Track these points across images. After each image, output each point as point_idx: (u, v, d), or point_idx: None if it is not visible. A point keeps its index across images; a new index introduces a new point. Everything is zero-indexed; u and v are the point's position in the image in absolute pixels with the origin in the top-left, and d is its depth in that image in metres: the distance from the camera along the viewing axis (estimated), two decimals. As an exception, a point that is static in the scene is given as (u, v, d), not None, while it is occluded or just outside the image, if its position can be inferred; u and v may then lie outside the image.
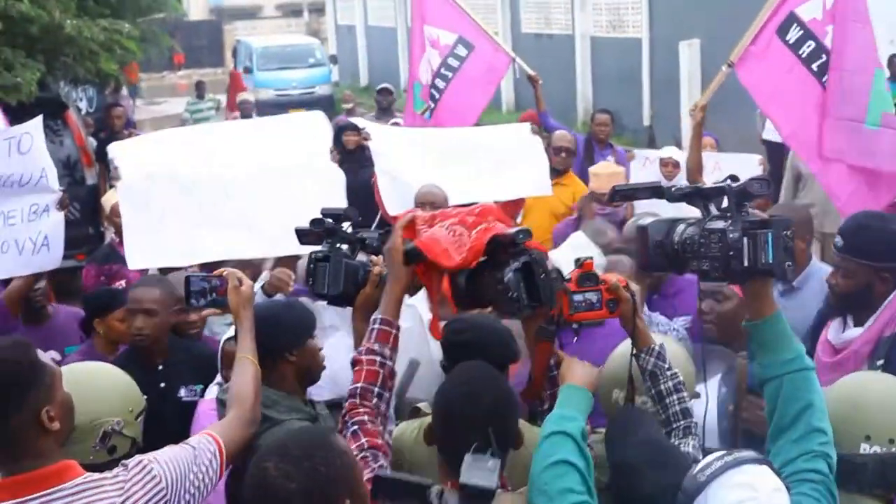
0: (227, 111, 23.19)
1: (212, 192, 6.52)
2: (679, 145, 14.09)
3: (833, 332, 4.87)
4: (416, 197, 7.32)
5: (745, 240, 2.92)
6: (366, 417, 3.42)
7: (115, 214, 7.25)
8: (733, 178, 3.15)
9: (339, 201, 6.74)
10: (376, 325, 3.56)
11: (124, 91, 22.83)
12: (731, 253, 2.93)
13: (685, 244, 3.10)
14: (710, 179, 8.29)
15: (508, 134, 8.72)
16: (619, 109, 20.37)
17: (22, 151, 6.52)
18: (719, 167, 8.97)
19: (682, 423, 3.62)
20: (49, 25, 12.79)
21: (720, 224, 3.01)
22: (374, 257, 4.07)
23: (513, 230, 3.38)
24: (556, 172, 9.07)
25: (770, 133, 14.76)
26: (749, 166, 9.16)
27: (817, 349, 4.87)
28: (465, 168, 7.93)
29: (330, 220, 4.13)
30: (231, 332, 5.00)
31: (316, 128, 7.24)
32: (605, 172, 8.44)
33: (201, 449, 3.49)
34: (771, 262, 2.91)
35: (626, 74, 21.73)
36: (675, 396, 3.63)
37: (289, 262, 6.44)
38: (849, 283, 4.77)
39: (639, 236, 3.36)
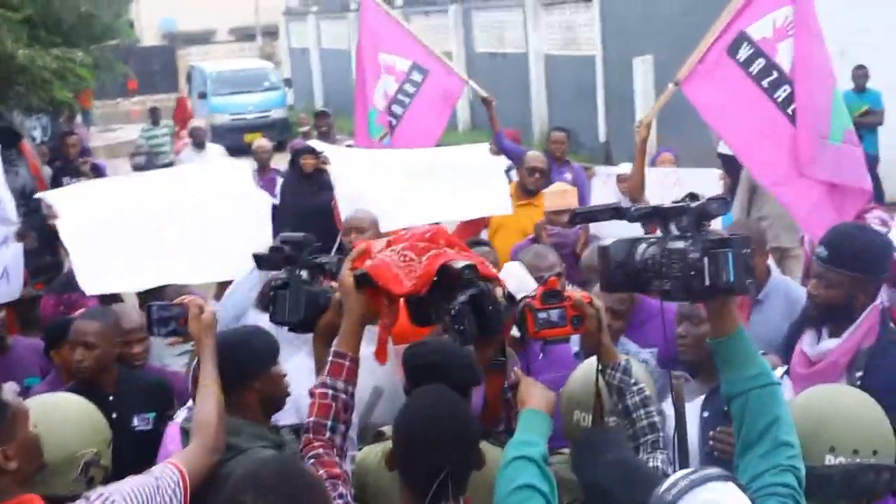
0: (176, 138, 23.00)
1: (149, 222, 6.55)
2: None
3: (808, 343, 4.88)
4: (343, 222, 7.30)
5: (706, 259, 2.93)
6: (321, 450, 3.41)
7: None
8: (693, 196, 3.16)
9: (267, 224, 6.85)
10: (329, 358, 3.54)
11: (79, 119, 22.71)
12: (692, 273, 2.94)
13: (647, 264, 3.11)
14: (670, 195, 8.31)
15: (468, 155, 8.74)
16: (575, 126, 20.48)
17: None
18: (680, 182, 9.00)
19: (649, 437, 3.62)
20: (1, 55, 12.71)
21: (680, 244, 3.01)
22: (333, 283, 4.06)
23: (460, 265, 3.37)
24: (529, 192, 9.07)
25: (725, 147, 14.91)
26: (710, 181, 9.20)
27: (792, 360, 4.90)
28: (426, 189, 7.94)
29: (288, 248, 4.12)
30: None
31: (235, 168, 7.44)
32: (556, 191, 8.43)
33: (164, 479, 3.47)
34: (732, 280, 2.93)
35: (581, 91, 21.84)
36: (642, 411, 3.63)
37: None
38: (831, 294, 4.78)
39: (600, 257, 3.37)
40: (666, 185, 8.54)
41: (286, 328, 4.13)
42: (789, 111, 7.37)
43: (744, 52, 7.51)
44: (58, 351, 6.04)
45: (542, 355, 4.39)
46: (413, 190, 7.84)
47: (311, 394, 3.51)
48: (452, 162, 8.50)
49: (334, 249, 7.84)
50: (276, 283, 3.97)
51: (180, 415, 5.20)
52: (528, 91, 24.34)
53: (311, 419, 3.46)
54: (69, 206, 6.60)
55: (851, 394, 3.63)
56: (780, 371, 4.40)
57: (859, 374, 4.61)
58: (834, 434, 3.29)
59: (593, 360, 3.76)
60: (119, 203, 6.70)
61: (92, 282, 6.27)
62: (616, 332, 5.07)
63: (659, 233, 3.20)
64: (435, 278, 3.44)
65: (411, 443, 3.31)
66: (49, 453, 3.62)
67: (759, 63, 7.46)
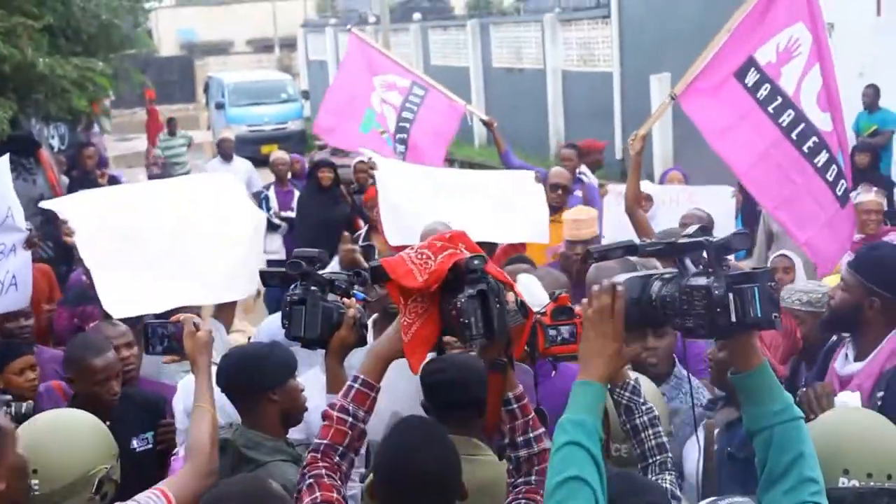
0: (147, 155, 22.72)
1: (158, 244, 6.54)
2: (652, 178, 14.16)
3: (839, 362, 4.93)
4: (422, 233, 7.30)
5: (731, 295, 2.89)
6: (324, 472, 3.35)
7: None
8: (703, 229, 3.13)
9: (259, 241, 7.00)
10: (356, 385, 3.43)
11: (96, 128, 22.77)
12: (718, 309, 2.89)
13: (665, 301, 3.05)
14: (682, 212, 8.29)
15: (513, 180, 8.73)
16: (592, 143, 20.51)
17: None
18: (692, 199, 8.98)
19: (658, 458, 3.62)
20: (21, 64, 12.77)
21: (702, 280, 2.96)
22: (346, 300, 4.06)
23: (468, 258, 3.32)
24: (553, 209, 9.06)
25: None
26: (722, 199, 9.17)
27: (826, 378, 4.93)
28: (467, 207, 7.97)
29: (303, 263, 4.13)
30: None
31: (224, 181, 7.50)
32: (573, 219, 8.27)
33: None
34: (760, 315, 2.89)
35: (598, 108, 21.83)
36: (650, 431, 3.62)
37: (229, 308, 6.52)
38: (843, 298, 4.86)
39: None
40: (680, 204, 8.50)
41: (300, 344, 4.15)
42: (793, 135, 7.46)
43: (751, 78, 7.59)
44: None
45: (554, 372, 4.37)
46: (455, 205, 7.86)
47: (327, 416, 3.42)
48: (497, 184, 8.55)
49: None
50: (291, 299, 3.97)
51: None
52: (545, 107, 24.35)
53: (325, 441, 3.39)
54: (82, 219, 6.57)
55: (868, 417, 3.61)
56: None
57: (880, 394, 4.64)
58: (848, 456, 3.28)
59: None
60: (130, 217, 6.69)
61: (117, 305, 6.25)
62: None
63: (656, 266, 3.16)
64: (448, 276, 3.36)
65: (390, 478, 3.30)
66: (67, 472, 3.64)
67: (766, 88, 7.55)
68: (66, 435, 3.68)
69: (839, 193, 7.57)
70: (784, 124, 7.48)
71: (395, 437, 3.38)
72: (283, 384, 4.24)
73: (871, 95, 15.07)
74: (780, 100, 7.50)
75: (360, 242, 8.98)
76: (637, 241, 3.22)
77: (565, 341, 3.48)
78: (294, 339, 3.98)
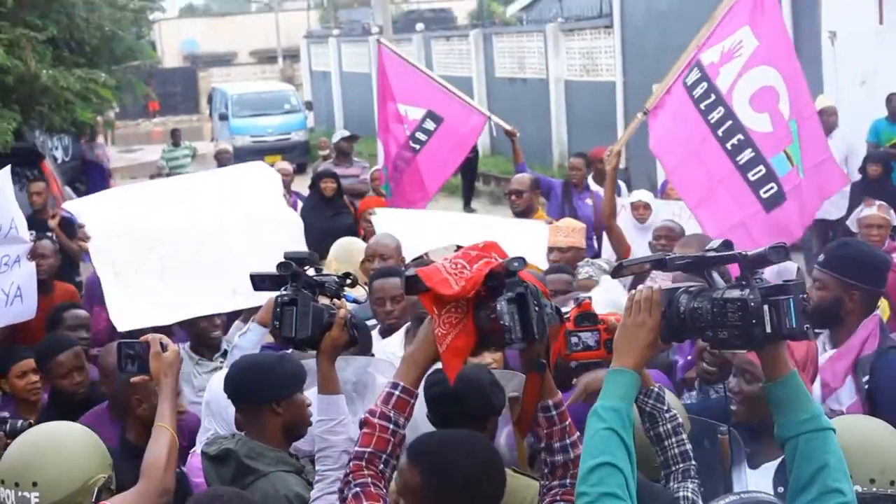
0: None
1: (180, 249, 6.46)
2: (654, 187, 14.18)
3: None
4: (365, 250, 7.33)
5: (766, 307, 2.94)
6: (370, 480, 3.32)
7: None
8: (726, 244, 3.16)
9: (300, 245, 6.70)
10: (397, 392, 3.39)
11: (100, 139, 22.83)
12: (754, 321, 2.95)
13: (695, 314, 3.10)
14: (686, 227, 8.28)
15: (525, 229, 8.70)
16: (595, 152, 20.50)
17: None
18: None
19: (680, 466, 3.62)
20: (25, 75, 12.81)
21: (737, 293, 3.00)
22: (337, 300, 4.06)
23: (509, 260, 3.31)
24: (517, 214, 9.39)
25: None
26: None
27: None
28: (463, 234, 7.93)
29: (293, 264, 4.13)
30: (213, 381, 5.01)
31: (265, 176, 7.19)
32: (557, 225, 8.24)
33: None
34: (795, 326, 2.94)
35: (601, 118, 21.82)
36: (673, 439, 3.62)
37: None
38: (821, 296, 4.97)
39: None
40: (681, 218, 8.49)
41: (292, 345, 4.15)
42: (720, 132, 7.60)
43: (692, 77, 7.80)
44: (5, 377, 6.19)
45: (575, 380, 4.36)
46: (452, 241, 7.83)
47: (367, 423, 3.38)
48: (506, 230, 8.43)
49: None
50: (282, 300, 3.97)
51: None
52: (548, 116, 24.35)
53: (368, 449, 3.35)
54: (101, 223, 6.51)
55: (870, 423, 3.63)
56: None
57: (866, 378, 4.78)
58: (850, 462, 3.27)
59: None
60: (146, 219, 6.58)
61: (124, 319, 6.22)
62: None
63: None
64: (484, 284, 3.35)
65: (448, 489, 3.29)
66: (67, 483, 3.64)
67: (702, 87, 7.73)
68: (64, 446, 3.68)
69: (764, 196, 7.59)
70: (712, 121, 7.62)
71: (438, 447, 3.39)
72: (289, 397, 4.24)
73: (896, 103, 14.86)
74: (712, 97, 7.66)
75: None
76: (613, 259, 3.25)
77: (588, 347, 3.47)
78: (285, 340, 3.98)
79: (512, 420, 3.86)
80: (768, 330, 2.94)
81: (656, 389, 3.62)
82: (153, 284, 6.32)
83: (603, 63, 22.68)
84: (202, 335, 6.31)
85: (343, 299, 4.04)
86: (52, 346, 6.08)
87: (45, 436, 3.81)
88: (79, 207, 6.72)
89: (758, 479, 4.13)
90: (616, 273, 3.47)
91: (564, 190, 10.80)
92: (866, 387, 4.78)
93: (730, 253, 3.11)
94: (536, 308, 3.25)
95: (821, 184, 7.95)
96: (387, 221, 8.42)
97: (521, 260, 3.29)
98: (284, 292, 3.98)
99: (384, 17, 28.52)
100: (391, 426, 3.36)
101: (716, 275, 3.13)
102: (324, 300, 4.06)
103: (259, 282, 4.44)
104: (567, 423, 3.47)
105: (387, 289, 6.18)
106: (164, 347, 4.04)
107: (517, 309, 3.23)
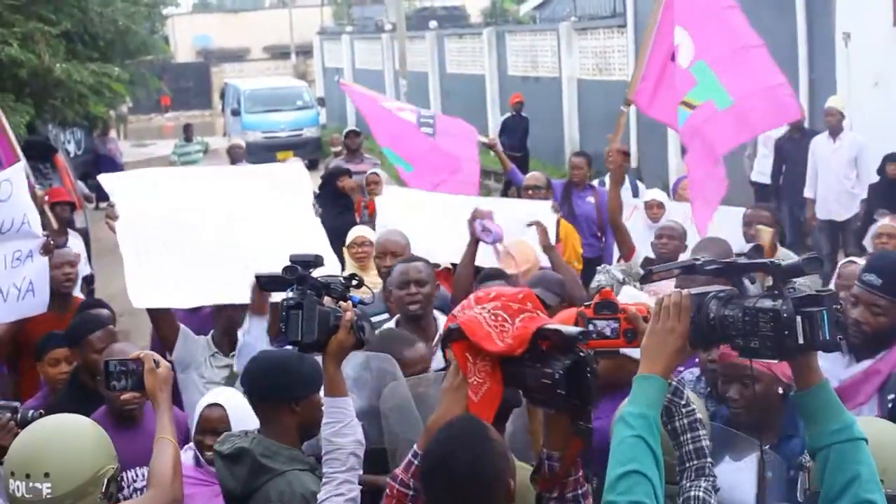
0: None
1: (209, 236, 6.44)
2: (666, 187, 14.14)
3: (836, 363, 4.87)
4: (376, 245, 7.33)
5: (799, 318, 2.91)
6: None
7: None
8: (757, 248, 3.14)
9: (327, 250, 6.70)
10: (416, 461, 3.42)
11: (113, 133, 22.87)
12: (786, 332, 2.91)
13: (726, 321, 3.06)
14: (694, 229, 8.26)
15: (529, 209, 8.66)
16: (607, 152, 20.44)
17: (2, 199, 6.48)
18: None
19: (694, 462, 3.57)
20: (38, 69, 12.85)
21: (769, 303, 2.97)
22: (343, 303, 4.05)
23: (572, 331, 3.29)
24: None
25: (758, 175, 14.88)
26: (734, 219, 8.83)
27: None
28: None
29: (299, 267, 4.12)
30: (209, 397, 5.02)
31: (300, 180, 7.18)
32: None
33: None
34: (828, 338, 2.91)
35: (613, 117, 21.60)
36: (689, 435, 3.57)
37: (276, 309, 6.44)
38: (882, 322, 4.85)
39: None
40: (689, 221, 8.45)
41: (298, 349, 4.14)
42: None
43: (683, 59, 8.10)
44: (41, 360, 6.29)
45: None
46: (455, 230, 7.83)
47: (389, 488, 3.43)
48: (508, 209, 8.32)
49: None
50: (288, 303, 3.96)
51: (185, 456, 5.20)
52: (561, 115, 24.32)
53: None
54: (128, 199, 6.47)
55: (881, 424, 3.61)
56: None
57: (891, 396, 4.70)
58: (883, 466, 3.27)
59: None
60: (180, 204, 6.50)
61: (142, 295, 6.21)
62: None
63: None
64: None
65: (428, 482, 3.32)
66: (78, 474, 3.64)
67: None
68: (74, 437, 3.70)
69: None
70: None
71: (436, 440, 3.37)
72: (308, 397, 4.23)
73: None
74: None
75: None
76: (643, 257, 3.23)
77: (606, 336, 3.43)
78: (291, 343, 3.97)
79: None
80: (801, 341, 2.90)
81: (674, 383, 3.56)
82: (175, 267, 6.28)
83: (616, 62, 22.64)
84: (229, 325, 6.29)
85: (349, 301, 4.03)
86: (85, 323, 6.14)
87: (54, 427, 3.82)
88: (111, 184, 6.66)
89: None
90: (644, 280, 3.45)
91: (565, 188, 10.79)
92: (890, 405, 4.71)
93: (761, 261, 3.10)
94: (589, 374, 3.26)
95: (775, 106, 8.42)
96: (391, 202, 8.35)
97: (587, 334, 3.29)
98: (290, 296, 3.97)
99: (397, 14, 28.53)
100: (410, 492, 3.40)
101: (747, 282, 3.10)
102: (330, 302, 4.05)
103: (266, 283, 4.43)
104: (580, 474, 3.46)
105: (410, 272, 6.22)
106: (156, 364, 4.16)
107: (574, 376, 3.23)
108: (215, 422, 4.81)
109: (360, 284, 4.12)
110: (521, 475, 3.48)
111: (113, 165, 21.40)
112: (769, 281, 2.99)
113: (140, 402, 5.05)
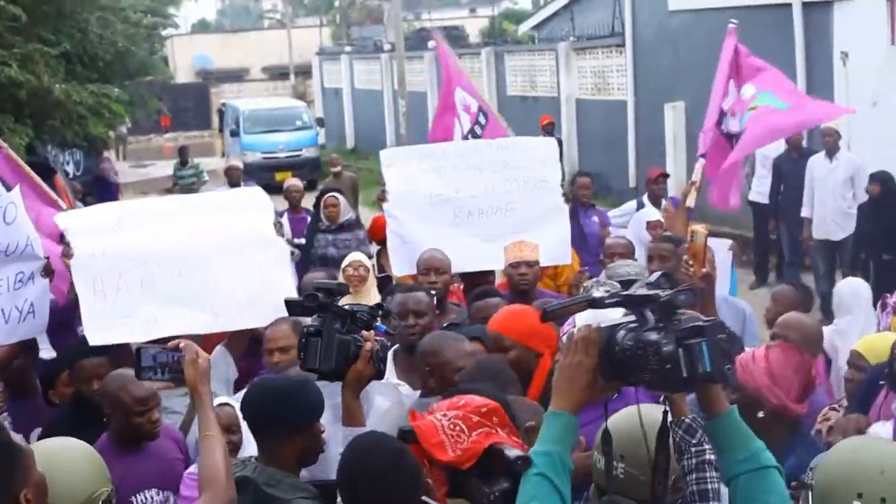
0: None
1: (165, 269, 6.47)
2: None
3: None
4: (418, 262, 7.31)
5: (681, 351, 2.86)
6: None
7: None
8: (666, 276, 3.10)
9: (287, 272, 6.79)
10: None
11: (106, 153, 22.83)
12: (668, 366, 2.86)
13: (625, 355, 3.01)
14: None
15: (535, 149, 8.66)
16: (605, 171, 20.47)
17: (7, 221, 6.46)
18: None
19: None
20: (37, 90, 12.87)
21: (654, 335, 2.93)
22: (364, 332, 4.03)
23: (513, 454, 3.19)
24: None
25: (756, 195, 14.91)
26: (719, 250, 8.80)
27: (872, 411, 5.07)
28: (487, 228, 7.92)
29: (319, 295, 4.09)
30: (217, 399, 4.98)
31: (258, 202, 7.18)
32: (520, 241, 7.80)
33: None
34: (710, 370, 2.86)
35: (612, 136, 21.81)
36: (694, 476, 3.48)
37: (242, 336, 6.45)
38: None
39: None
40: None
41: (316, 377, 4.11)
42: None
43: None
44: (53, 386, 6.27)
45: (615, 395, 4.32)
46: (472, 229, 7.85)
47: None
48: (519, 195, 8.27)
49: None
50: (308, 331, 3.95)
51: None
52: (559, 135, 24.37)
53: None
54: (83, 238, 6.51)
55: (885, 444, 3.60)
56: None
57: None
58: (862, 481, 3.25)
59: (633, 409, 3.49)
60: (136, 238, 6.57)
61: (97, 334, 6.20)
62: None
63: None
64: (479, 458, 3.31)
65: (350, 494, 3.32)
66: (74, 497, 3.61)
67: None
68: (69, 460, 3.66)
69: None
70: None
71: (351, 456, 3.42)
72: (310, 426, 4.11)
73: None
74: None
75: (376, 273, 9.08)
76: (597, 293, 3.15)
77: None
78: (309, 370, 3.96)
79: None
80: (684, 374, 2.86)
81: (687, 420, 3.49)
82: (131, 303, 6.34)
83: (614, 82, 22.69)
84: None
85: (375, 330, 4.00)
86: (80, 349, 6.12)
87: (48, 450, 3.80)
88: (66, 222, 6.72)
89: None
90: (545, 319, 3.34)
91: (572, 209, 10.81)
92: None
93: (649, 293, 3.02)
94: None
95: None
96: (397, 209, 8.32)
97: (526, 459, 3.14)
98: (311, 323, 3.96)
99: (396, 34, 28.56)
100: None
101: (648, 312, 3.02)
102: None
103: (292, 308, 4.38)
104: None
105: (409, 303, 6.20)
106: (197, 355, 3.98)
107: (511, 499, 3.15)
108: (225, 421, 4.79)
109: (388, 315, 4.08)
110: None
111: (107, 186, 21.21)
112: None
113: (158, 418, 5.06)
